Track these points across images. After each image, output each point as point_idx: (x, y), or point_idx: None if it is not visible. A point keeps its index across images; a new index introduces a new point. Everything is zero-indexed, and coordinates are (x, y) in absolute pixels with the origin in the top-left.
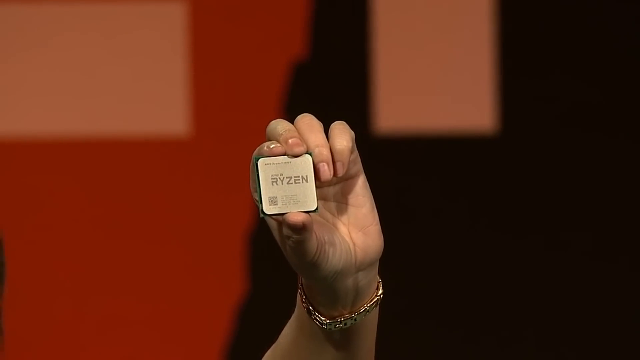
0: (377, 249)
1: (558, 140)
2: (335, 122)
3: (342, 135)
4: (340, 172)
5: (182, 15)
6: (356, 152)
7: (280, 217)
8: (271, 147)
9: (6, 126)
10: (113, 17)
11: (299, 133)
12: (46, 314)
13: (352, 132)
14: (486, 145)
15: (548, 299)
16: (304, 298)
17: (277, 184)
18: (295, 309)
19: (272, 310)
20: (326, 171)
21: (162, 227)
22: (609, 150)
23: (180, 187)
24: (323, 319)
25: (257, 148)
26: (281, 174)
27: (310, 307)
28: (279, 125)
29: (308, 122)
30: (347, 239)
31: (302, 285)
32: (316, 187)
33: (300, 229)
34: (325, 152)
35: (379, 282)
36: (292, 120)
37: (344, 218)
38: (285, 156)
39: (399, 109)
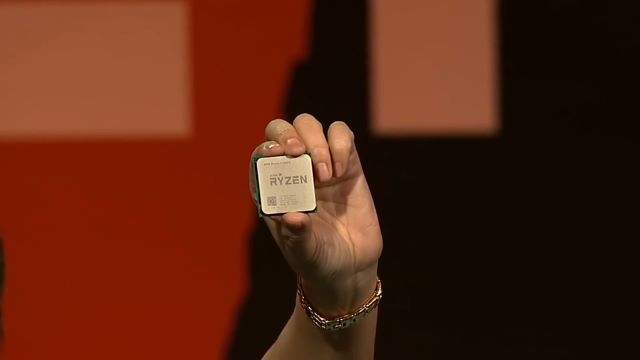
0: (376, 249)
1: (558, 140)
2: (335, 122)
3: (341, 136)
4: (339, 173)
5: (182, 15)
6: (355, 153)
7: (279, 217)
8: (270, 147)
9: (6, 126)
10: (113, 17)
11: (298, 133)
12: (46, 314)
13: (351, 132)
14: (486, 145)
15: (548, 299)
16: (303, 298)
17: (276, 184)
18: (295, 309)
19: (271, 310)
20: (325, 171)
21: (162, 227)
22: (609, 150)
23: (180, 187)
24: (322, 319)
25: (256, 148)
26: (280, 174)
27: (310, 308)
28: (278, 125)
29: (307, 122)
30: (346, 239)
31: (301, 285)
32: (315, 187)
33: (299, 229)
34: (324, 152)
35: (378, 282)
36: (291, 121)
37: (343, 218)
38: (284, 156)
39: (398, 108)
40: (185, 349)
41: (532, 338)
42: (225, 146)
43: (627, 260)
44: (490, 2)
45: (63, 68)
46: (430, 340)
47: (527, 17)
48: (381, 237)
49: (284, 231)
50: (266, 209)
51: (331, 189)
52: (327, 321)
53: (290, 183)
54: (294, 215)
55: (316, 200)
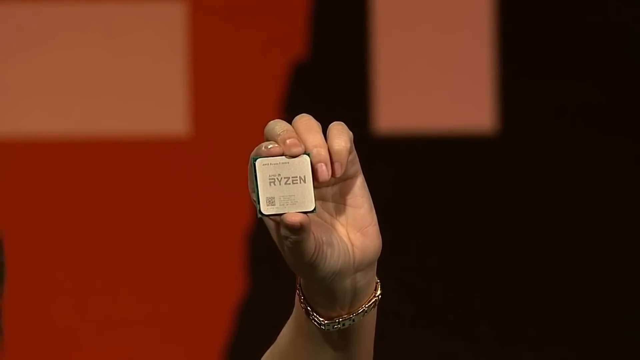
0: (375, 249)
1: (558, 140)
2: (334, 122)
3: (340, 136)
4: (338, 173)
5: (182, 15)
6: (354, 153)
7: (278, 218)
8: (269, 147)
9: (6, 126)
10: (113, 17)
11: (297, 133)
12: (46, 314)
13: (351, 133)
14: (486, 145)
15: (548, 299)
16: (302, 299)
17: (274, 185)
18: (294, 309)
19: (271, 311)
20: (324, 172)
21: (162, 227)
22: (609, 150)
23: (180, 187)
24: (321, 319)
25: (255, 148)
26: (279, 175)
27: (309, 308)
28: (277, 126)
29: (306, 123)
30: (346, 239)
31: (300, 285)
32: (314, 187)
33: (298, 230)
34: (323, 153)
35: (377, 282)
36: (290, 121)
37: (342, 218)
38: (283, 156)
39: (398, 108)
40: (185, 349)
41: (532, 338)
42: (225, 146)
43: (628, 261)
44: (490, 2)
45: (63, 68)
46: (430, 340)
47: (527, 17)
48: (380, 237)
49: (283, 231)
50: (265, 209)
51: (330, 189)
52: (326, 321)
53: (289, 183)
54: (293, 216)
55: (315, 200)
